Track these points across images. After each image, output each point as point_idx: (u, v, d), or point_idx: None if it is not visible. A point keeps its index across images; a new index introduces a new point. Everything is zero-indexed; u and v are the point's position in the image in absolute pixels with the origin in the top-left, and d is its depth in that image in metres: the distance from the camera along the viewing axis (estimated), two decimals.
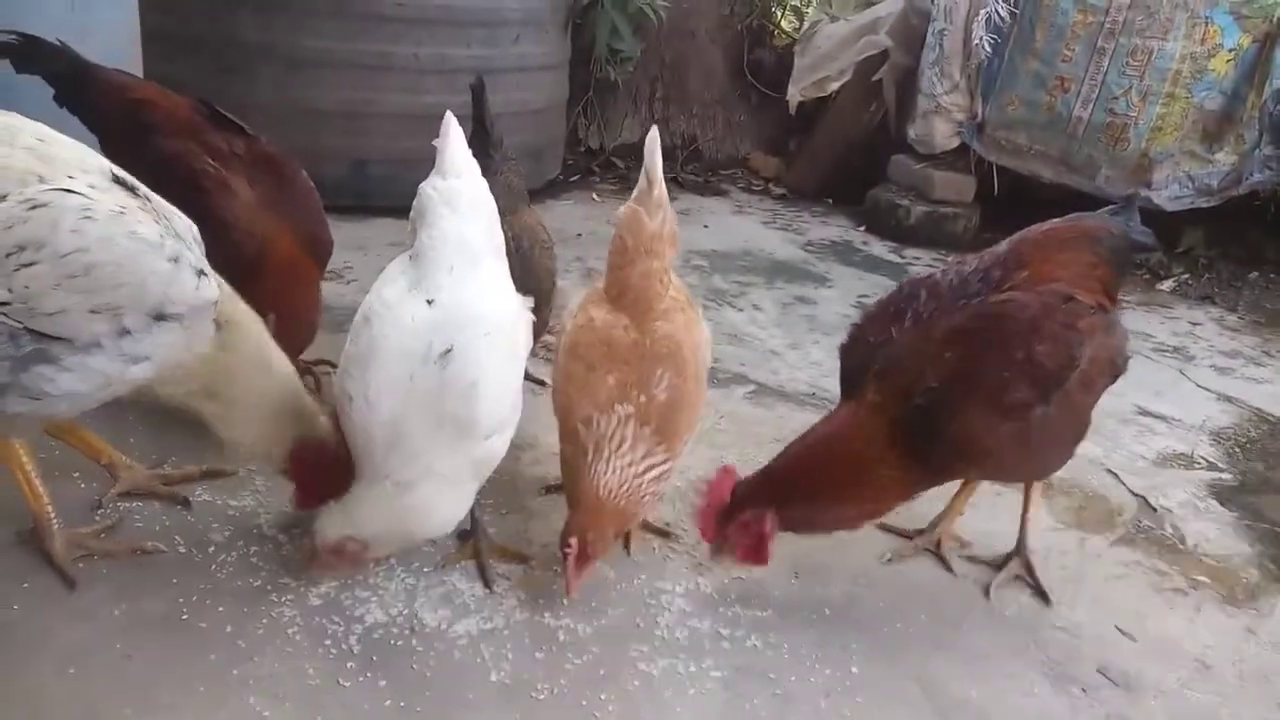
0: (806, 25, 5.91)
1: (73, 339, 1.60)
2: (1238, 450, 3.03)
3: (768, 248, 4.59)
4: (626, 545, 2.14)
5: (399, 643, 1.80)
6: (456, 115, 1.95)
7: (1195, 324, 4.20)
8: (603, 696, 1.74)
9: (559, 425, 1.96)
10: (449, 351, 1.71)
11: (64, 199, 1.57)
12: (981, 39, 4.60)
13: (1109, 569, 2.32)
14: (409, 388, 1.70)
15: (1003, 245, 2.06)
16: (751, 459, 2.00)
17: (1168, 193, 4.51)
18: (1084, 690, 1.91)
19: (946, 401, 1.79)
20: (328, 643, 1.77)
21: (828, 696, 1.80)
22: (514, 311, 1.91)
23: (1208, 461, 2.93)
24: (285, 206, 2.34)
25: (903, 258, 4.71)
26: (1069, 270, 1.97)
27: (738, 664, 1.86)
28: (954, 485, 2.22)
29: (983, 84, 4.72)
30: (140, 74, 2.71)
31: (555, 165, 5.09)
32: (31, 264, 1.54)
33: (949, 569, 2.22)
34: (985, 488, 2.43)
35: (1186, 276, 4.71)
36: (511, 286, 1.96)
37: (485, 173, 1.98)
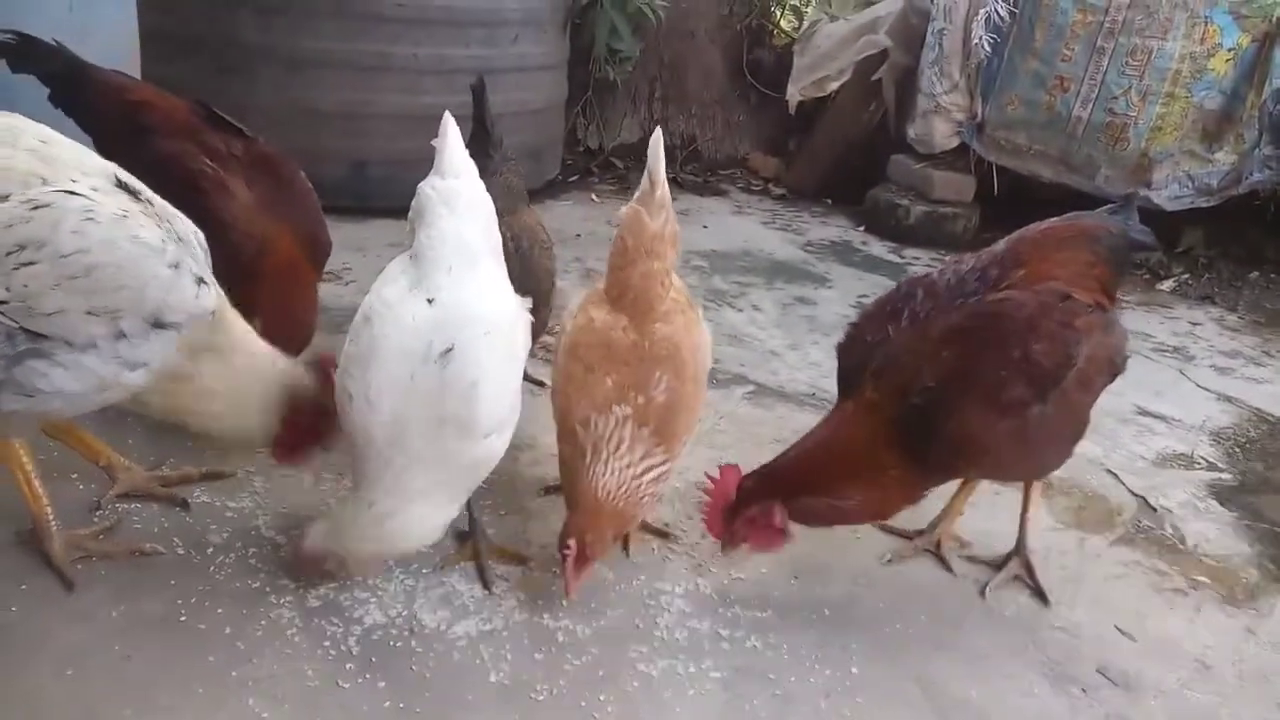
0: (806, 25, 5.91)
1: (69, 339, 1.59)
2: (1237, 450, 3.03)
3: (767, 248, 4.59)
4: (626, 547, 2.14)
5: (398, 644, 1.80)
6: (456, 115, 1.94)
7: (1195, 324, 4.20)
8: (602, 697, 1.73)
9: (557, 426, 1.96)
10: (449, 351, 1.71)
11: (66, 200, 1.57)
12: (981, 38, 4.60)
13: (1109, 569, 2.32)
14: (409, 387, 1.70)
15: (1000, 244, 2.06)
16: (751, 460, 1.99)
17: (1167, 192, 4.51)
18: (1084, 690, 1.91)
19: (943, 400, 1.79)
20: (327, 644, 1.77)
21: (827, 697, 1.80)
22: (513, 312, 1.91)
23: (1207, 461, 2.93)
24: (284, 207, 2.34)
25: (902, 258, 4.71)
26: (1067, 269, 1.96)
27: (737, 665, 1.86)
28: (953, 485, 2.22)
29: (982, 84, 4.72)
30: (139, 75, 2.71)
31: (554, 165, 5.09)
32: (31, 263, 1.54)
33: (949, 569, 2.21)
34: (985, 488, 2.43)
35: (1186, 276, 4.71)
36: (509, 287, 1.96)
37: (484, 173, 1.98)
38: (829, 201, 5.47)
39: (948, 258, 2.37)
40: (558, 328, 2.33)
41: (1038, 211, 2.28)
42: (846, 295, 4.04)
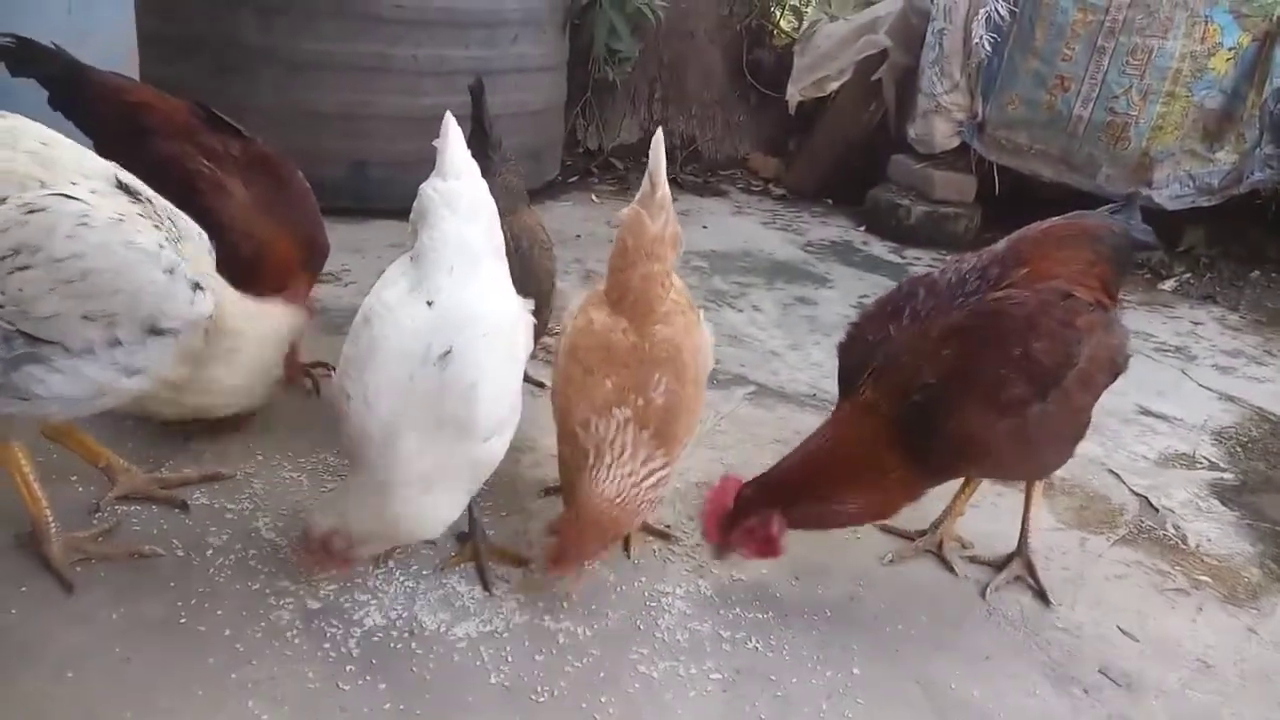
0: (806, 25, 5.91)
1: (64, 344, 1.59)
2: (1239, 450, 3.02)
3: (767, 248, 4.59)
4: (626, 548, 2.13)
5: (398, 646, 1.80)
6: (455, 116, 1.94)
7: (1197, 323, 4.20)
8: (603, 699, 1.73)
9: (557, 427, 1.95)
10: (448, 353, 1.71)
11: (62, 204, 1.57)
12: (981, 38, 4.60)
13: (1110, 569, 2.31)
14: (408, 388, 1.70)
15: (1002, 243, 2.06)
16: (752, 461, 2.00)
17: (1168, 192, 4.50)
18: (1085, 691, 1.90)
19: (944, 399, 1.79)
20: (327, 646, 1.77)
21: (829, 698, 1.80)
22: (514, 313, 1.91)
23: (1209, 461, 2.93)
24: (281, 208, 2.34)
25: (903, 258, 4.71)
26: (1068, 268, 1.96)
27: (738, 666, 1.85)
28: (955, 486, 2.22)
29: (983, 83, 4.72)
30: (137, 77, 2.71)
31: (554, 166, 5.09)
32: (26, 268, 1.54)
33: (950, 570, 2.21)
34: (986, 488, 2.42)
35: (1188, 276, 4.70)
36: (511, 288, 1.95)
37: (484, 174, 1.97)
38: (829, 202, 5.47)
39: (949, 257, 2.36)
40: (558, 329, 2.33)
41: (1039, 211, 2.28)
42: (847, 295, 4.03)
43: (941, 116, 4.85)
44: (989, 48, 4.61)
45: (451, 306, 1.77)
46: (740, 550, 1.88)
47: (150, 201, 1.74)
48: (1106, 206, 2.23)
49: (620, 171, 5.49)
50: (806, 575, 2.13)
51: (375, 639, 1.80)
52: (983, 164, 4.88)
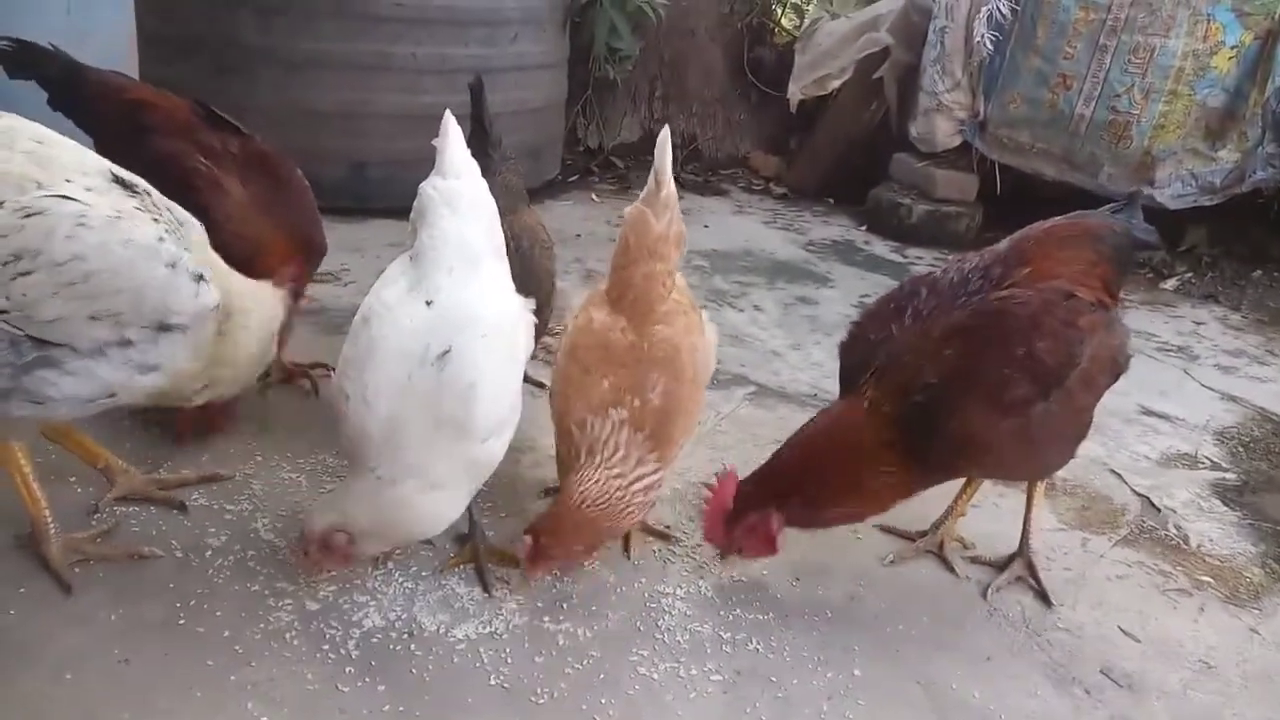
0: (807, 23, 5.90)
1: (74, 345, 1.59)
2: (1241, 450, 3.01)
3: (768, 247, 4.58)
4: (627, 549, 2.13)
5: (397, 647, 1.79)
6: (455, 115, 1.94)
7: (1199, 323, 4.19)
8: (603, 700, 1.73)
9: (555, 426, 1.95)
10: (447, 353, 1.70)
11: (59, 206, 1.57)
12: (983, 36, 4.59)
13: (1112, 569, 2.31)
14: (407, 388, 1.69)
15: (1004, 243, 2.05)
16: (752, 461, 1.98)
17: (1171, 191, 4.49)
18: (1087, 691, 1.90)
19: (946, 398, 1.78)
20: (326, 647, 1.77)
21: (830, 699, 1.79)
22: (514, 313, 1.90)
23: (1211, 461, 2.92)
24: (279, 207, 2.33)
25: (905, 257, 4.70)
26: (1070, 268, 1.95)
27: (739, 667, 1.85)
28: (956, 486, 2.21)
29: (984, 82, 4.71)
30: (137, 77, 2.70)
31: (554, 165, 5.08)
32: (28, 273, 1.54)
33: (951, 570, 2.20)
34: (987, 488, 2.42)
35: (1190, 275, 4.69)
36: (512, 288, 1.95)
37: (484, 172, 1.97)
38: (830, 201, 5.46)
39: (951, 257, 2.36)
40: (559, 329, 2.33)
41: (1041, 210, 2.27)
42: (848, 295, 4.03)
43: (943, 115, 4.84)
44: (991, 46, 4.60)
45: (451, 306, 1.76)
46: (742, 548, 1.88)
47: (148, 194, 1.73)
48: (1108, 206, 2.22)
49: (621, 170, 5.48)
50: (807, 576, 2.12)
51: (374, 640, 1.80)
52: (984, 163, 4.87)
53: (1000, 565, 2.21)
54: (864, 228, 5.04)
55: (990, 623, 2.07)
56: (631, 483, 1.82)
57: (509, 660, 1.79)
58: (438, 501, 1.77)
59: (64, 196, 1.57)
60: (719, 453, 2.59)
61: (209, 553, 1.96)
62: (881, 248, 4.80)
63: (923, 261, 4.64)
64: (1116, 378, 2.00)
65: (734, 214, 5.13)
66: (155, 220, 1.70)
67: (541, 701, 1.71)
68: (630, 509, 1.84)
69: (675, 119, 5.77)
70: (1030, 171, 4.76)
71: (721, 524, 1.86)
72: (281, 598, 1.86)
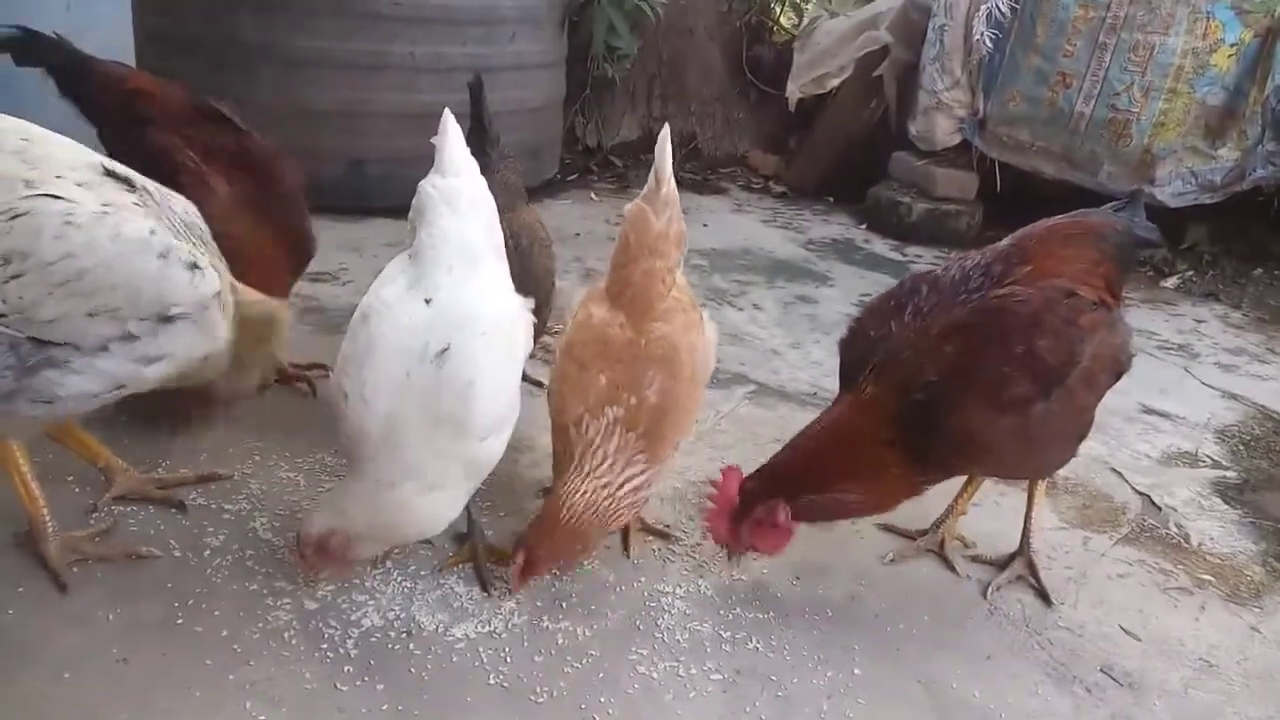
0: (806, 21, 5.90)
1: (76, 344, 1.59)
2: (1242, 448, 3.01)
3: (768, 246, 4.57)
4: (626, 548, 2.12)
5: (396, 647, 1.79)
6: (453, 114, 1.93)
7: (1199, 321, 4.18)
8: (602, 699, 1.72)
9: (552, 423, 1.95)
10: (446, 350, 1.70)
11: (45, 205, 1.56)
12: (982, 34, 4.58)
13: (1113, 568, 2.30)
14: (405, 385, 1.69)
15: (1006, 241, 2.04)
16: (752, 460, 1.98)
17: (1171, 189, 4.49)
18: (1088, 690, 1.89)
19: (945, 395, 1.77)
20: (324, 647, 1.76)
21: (830, 698, 1.79)
22: (513, 312, 1.89)
23: (1212, 459, 2.92)
24: (266, 206, 2.31)
25: (904, 256, 4.69)
26: (1072, 266, 1.95)
27: (739, 666, 1.84)
28: (956, 484, 2.21)
29: (984, 80, 4.70)
30: None
31: (553, 164, 5.07)
32: (20, 275, 1.53)
33: (952, 569, 2.20)
34: (988, 487, 2.41)
35: (1190, 273, 4.69)
36: (511, 286, 1.94)
37: (482, 170, 1.96)
38: (830, 199, 5.45)
39: (951, 255, 2.36)
40: (558, 328, 2.32)
41: (1041, 209, 2.27)
42: (848, 294, 4.02)
43: (943, 113, 4.83)
44: (990, 44, 4.60)
45: (450, 304, 1.76)
46: (751, 543, 1.86)
47: (145, 189, 1.72)
48: (1111, 204, 2.21)
49: (620, 169, 5.48)
50: (807, 575, 2.12)
51: (373, 640, 1.79)
52: (984, 161, 4.87)
53: (1001, 564, 2.20)
54: (863, 226, 5.04)
55: (991, 621, 2.06)
56: (619, 488, 1.83)
57: (508, 659, 1.79)
58: (436, 503, 1.76)
59: (49, 195, 1.56)
60: (719, 452, 2.58)
61: (207, 552, 1.96)
62: (881, 246, 4.79)
63: (922, 260, 4.63)
64: (1119, 377, 1.99)
65: (733, 213, 5.12)
66: (146, 213, 1.68)
67: (541, 701, 1.71)
68: (619, 513, 1.84)
69: (674, 118, 5.76)
70: (1030, 170, 4.76)
71: (727, 522, 1.85)
72: (280, 597, 1.86)
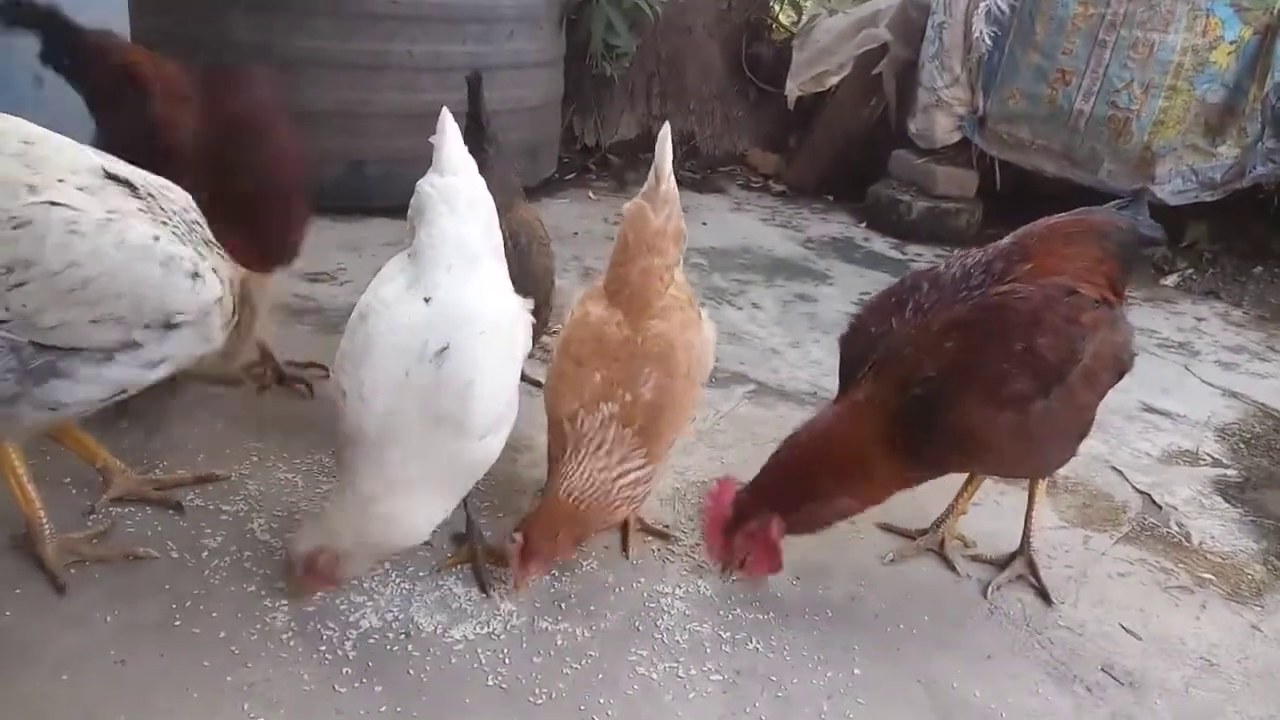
0: (805, 19, 5.89)
1: (81, 349, 1.59)
2: (1243, 446, 3.01)
3: (767, 245, 4.57)
4: (625, 548, 2.12)
5: (394, 648, 1.78)
6: (452, 113, 1.92)
7: (1200, 319, 4.18)
8: (601, 700, 1.72)
9: (547, 419, 1.94)
10: (445, 349, 1.69)
11: (48, 214, 1.55)
12: (982, 32, 4.57)
13: (1113, 567, 2.30)
14: (404, 384, 1.68)
15: (1007, 239, 2.04)
16: (752, 459, 1.97)
17: (1171, 187, 4.48)
18: (1089, 689, 1.89)
19: (945, 392, 1.77)
20: (322, 648, 1.75)
21: (830, 698, 1.78)
22: (512, 311, 1.89)
23: (1213, 458, 2.91)
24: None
25: (904, 254, 4.68)
26: (1075, 264, 1.94)
27: (739, 666, 1.84)
28: (957, 484, 2.20)
29: (983, 77, 4.69)
30: None
31: (551, 163, 5.06)
32: (24, 283, 1.53)
33: (952, 569, 2.19)
34: (989, 486, 2.41)
35: (1191, 271, 4.68)
36: (510, 286, 1.93)
37: (480, 169, 1.95)
38: (829, 198, 5.44)
39: (951, 253, 2.35)
40: (557, 328, 2.31)
41: (1041, 207, 2.26)
42: (848, 292, 4.01)
43: (942, 111, 4.82)
44: (989, 41, 4.59)
45: (449, 303, 1.75)
46: (744, 559, 1.84)
47: (149, 194, 1.71)
48: (1114, 202, 2.20)
49: (618, 168, 5.47)
50: (807, 575, 2.11)
51: (371, 641, 1.79)
52: (984, 159, 4.86)
53: (1001, 563, 2.20)
54: (863, 224, 5.03)
55: (991, 621, 2.06)
56: (617, 476, 1.82)
57: (507, 660, 1.78)
58: (420, 513, 1.75)
59: (53, 203, 1.56)
60: (718, 451, 2.58)
61: (205, 553, 1.95)
62: (881, 245, 4.78)
63: (922, 258, 4.62)
64: (1120, 375, 1.99)
65: (732, 211, 5.11)
66: (151, 218, 1.68)
67: (539, 702, 1.70)
68: (617, 502, 1.84)
69: (673, 116, 5.74)
70: (1030, 168, 4.75)
71: (721, 533, 1.83)
72: (278, 598, 1.85)
